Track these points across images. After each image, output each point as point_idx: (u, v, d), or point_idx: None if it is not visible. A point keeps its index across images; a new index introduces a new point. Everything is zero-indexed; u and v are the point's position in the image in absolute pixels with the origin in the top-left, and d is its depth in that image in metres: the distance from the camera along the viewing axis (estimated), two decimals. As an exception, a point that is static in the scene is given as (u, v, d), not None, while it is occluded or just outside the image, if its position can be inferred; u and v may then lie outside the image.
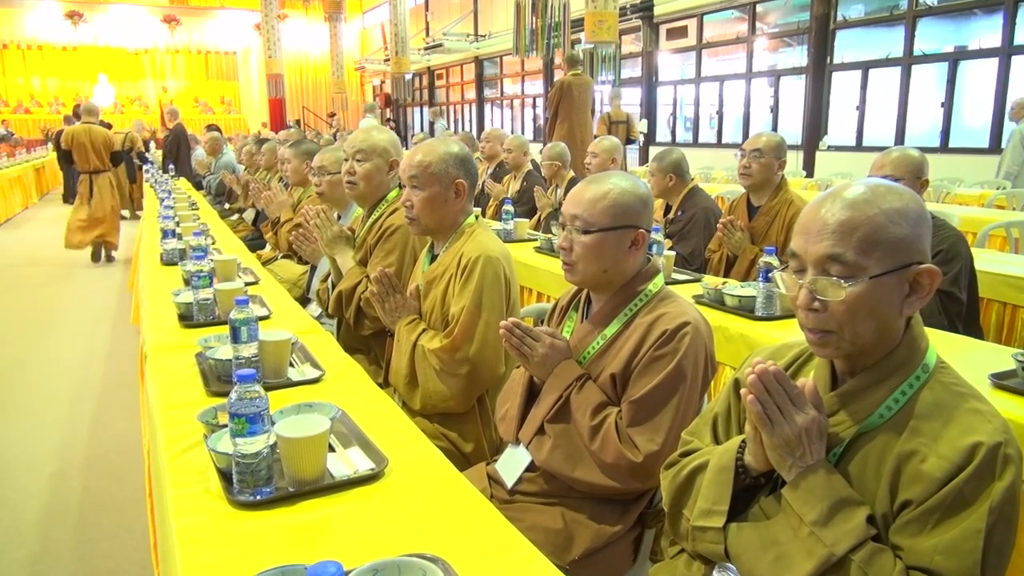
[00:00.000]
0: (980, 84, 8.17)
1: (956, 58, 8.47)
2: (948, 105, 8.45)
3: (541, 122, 15.39)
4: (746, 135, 11.06)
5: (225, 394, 1.40)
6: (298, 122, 18.36)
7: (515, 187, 5.23)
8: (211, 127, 10.24)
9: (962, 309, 2.49)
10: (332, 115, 18.83)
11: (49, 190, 14.76)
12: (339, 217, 3.27)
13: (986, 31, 8.41)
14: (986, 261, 3.18)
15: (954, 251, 2.49)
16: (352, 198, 2.82)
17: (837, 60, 9.75)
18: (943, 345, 1.36)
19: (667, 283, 1.69)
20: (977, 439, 0.98)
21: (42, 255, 7.83)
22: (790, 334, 2.13)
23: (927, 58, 8.76)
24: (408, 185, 2.12)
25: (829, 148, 9.70)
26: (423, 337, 2.04)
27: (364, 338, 2.56)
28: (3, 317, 5.65)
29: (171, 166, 9.01)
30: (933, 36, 8.92)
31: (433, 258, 2.18)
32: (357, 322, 2.53)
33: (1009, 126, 7.06)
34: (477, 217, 2.18)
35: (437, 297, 2.08)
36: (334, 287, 2.65)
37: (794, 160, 9.55)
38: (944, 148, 8.42)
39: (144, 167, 9.62)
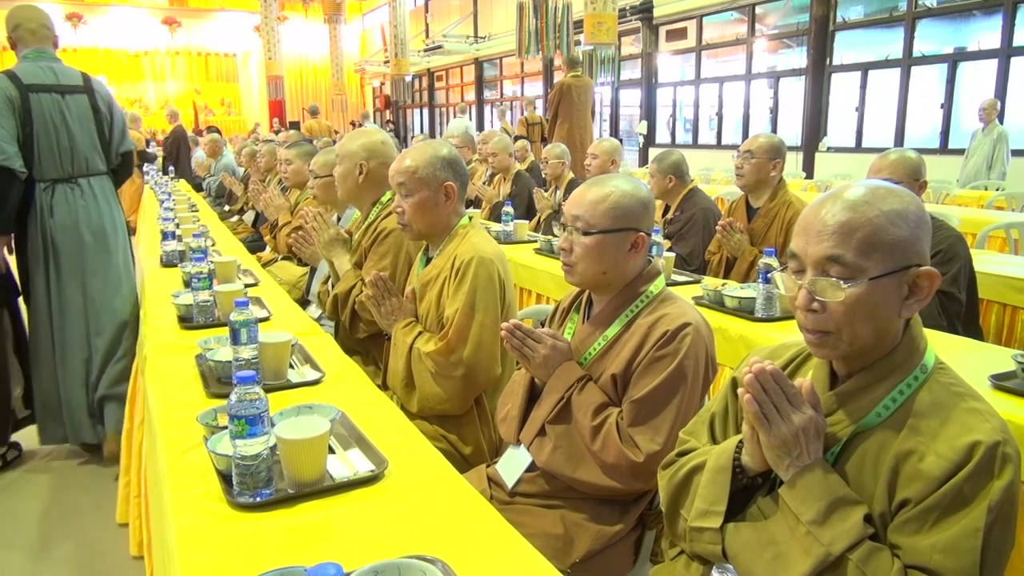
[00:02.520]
0: (979, 85, 8.17)
1: (955, 59, 8.48)
2: (947, 106, 8.47)
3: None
4: (746, 136, 11.04)
5: (225, 396, 1.40)
6: (296, 124, 18.35)
7: (505, 190, 5.21)
8: (211, 129, 10.24)
9: (961, 309, 2.50)
10: (353, 124, 18.86)
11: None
12: (338, 219, 3.28)
13: (985, 32, 8.42)
14: (986, 262, 3.18)
15: (952, 251, 2.49)
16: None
17: (836, 61, 9.76)
18: (943, 346, 1.36)
19: (667, 284, 1.69)
20: (975, 438, 0.99)
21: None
22: (790, 335, 2.12)
23: (926, 59, 8.77)
24: (397, 192, 2.12)
25: (829, 149, 9.71)
26: (419, 340, 2.04)
27: (361, 340, 2.56)
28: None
29: (171, 168, 9.01)
30: (932, 37, 8.93)
31: (428, 261, 2.19)
32: (352, 325, 2.53)
33: (968, 128, 7.12)
34: (471, 218, 2.18)
35: (432, 300, 2.08)
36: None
37: (794, 161, 9.56)
38: (943, 149, 8.43)
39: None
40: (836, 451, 1.09)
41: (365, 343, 2.56)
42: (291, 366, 1.89)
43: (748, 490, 1.16)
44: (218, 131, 9.53)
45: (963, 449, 0.98)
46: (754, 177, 3.14)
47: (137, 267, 3.34)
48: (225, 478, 1.31)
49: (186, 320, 2.32)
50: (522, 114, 10.88)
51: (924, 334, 1.11)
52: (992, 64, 7.99)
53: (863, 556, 0.99)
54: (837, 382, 1.13)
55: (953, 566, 0.96)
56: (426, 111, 21.76)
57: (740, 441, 1.15)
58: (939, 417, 1.03)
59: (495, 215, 4.89)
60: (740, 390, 1.07)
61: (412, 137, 16.02)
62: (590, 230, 1.57)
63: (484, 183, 5.57)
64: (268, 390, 1.57)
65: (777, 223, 3.09)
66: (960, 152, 7.77)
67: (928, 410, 1.04)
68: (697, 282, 2.87)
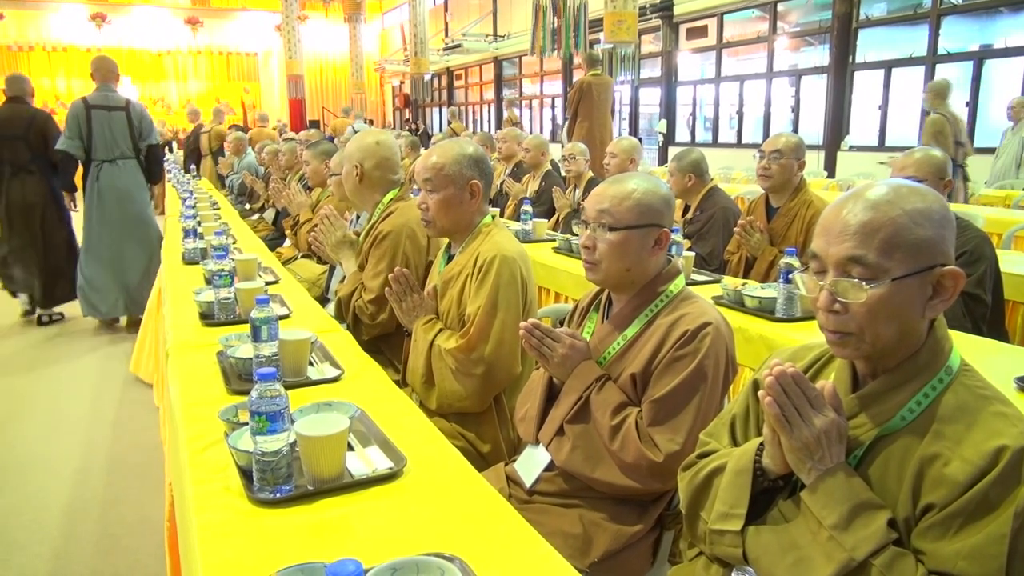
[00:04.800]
0: (1006, 83, 8.04)
1: (981, 57, 8.35)
2: (973, 104, 8.34)
3: (560, 121, 15.37)
4: (766, 135, 10.92)
5: (246, 392, 1.41)
6: (316, 122, 18.43)
7: (534, 187, 5.24)
8: (236, 127, 10.32)
9: (987, 311, 2.46)
10: (370, 121, 18.93)
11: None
12: (357, 217, 3.29)
13: (1012, 29, 8.28)
14: (1012, 263, 3.13)
15: (978, 252, 2.46)
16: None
17: (859, 59, 9.64)
18: (967, 348, 1.34)
19: (687, 284, 1.68)
20: (1002, 443, 0.97)
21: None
22: (810, 336, 2.11)
23: (951, 57, 8.64)
24: (423, 188, 2.12)
25: (851, 148, 9.59)
26: (440, 337, 2.04)
27: (376, 340, 2.57)
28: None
29: (192, 166, 9.09)
30: (958, 35, 8.80)
31: (450, 258, 2.19)
32: (356, 328, 2.53)
33: (995, 126, 7.03)
34: (494, 217, 2.18)
35: (453, 297, 2.08)
36: (351, 288, 2.65)
37: (815, 160, 9.46)
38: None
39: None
40: (859, 455, 1.08)
41: (378, 343, 2.57)
42: (311, 363, 1.90)
43: (769, 493, 1.15)
44: (242, 130, 9.60)
45: (989, 454, 0.96)
46: (783, 178, 3.10)
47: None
48: (246, 474, 1.32)
49: (207, 317, 2.34)
50: (502, 115, 11.21)
51: (949, 335, 1.09)
52: (1020, 62, 7.85)
53: (887, 561, 0.98)
54: (860, 384, 1.12)
55: (978, 573, 0.94)
56: (445, 110, 21.78)
57: (761, 443, 1.14)
58: (965, 421, 1.01)
59: (519, 213, 4.90)
60: (761, 392, 1.06)
61: (430, 137, 16.02)
62: (616, 226, 1.57)
63: (503, 181, 5.57)
64: (288, 387, 1.58)
65: (797, 222, 3.06)
66: (986, 151, 7.65)
67: (954, 414, 1.02)
68: (717, 282, 2.85)
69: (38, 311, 5.29)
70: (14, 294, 5.39)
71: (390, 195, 2.63)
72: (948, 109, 6.00)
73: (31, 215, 5.07)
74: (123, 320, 5.21)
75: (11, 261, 5.14)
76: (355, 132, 10.35)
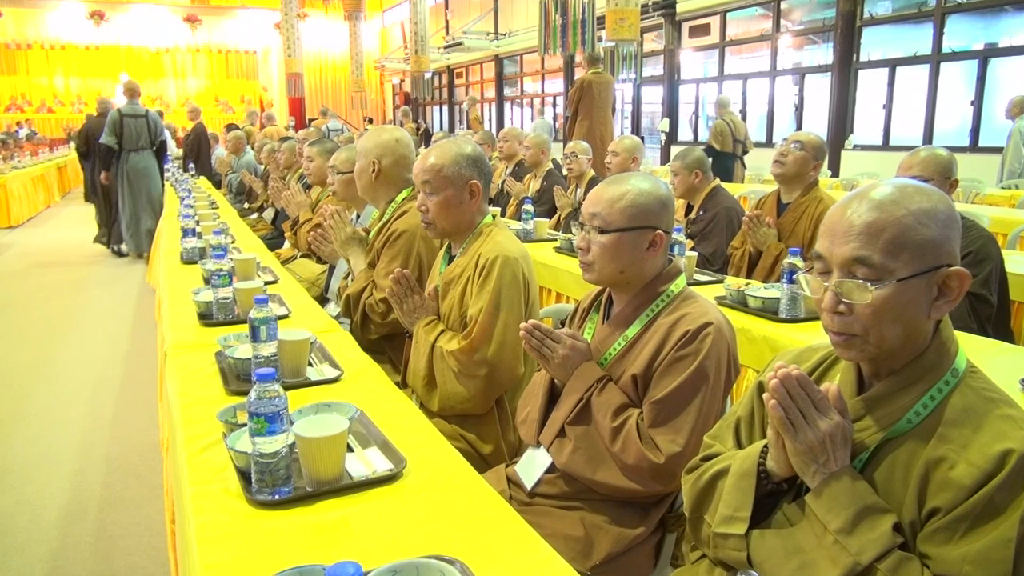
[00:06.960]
0: (1011, 82, 8.02)
1: (986, 55, 8.33)
2: (978, 103, 8.32)
3: (560, 122, 15.36)
4: (770, 134, 10.97)
5: (244, 393, 1.40)
6: (313, 120, 18.42)
7: (535, 186, 5.22)
8: (232, 126, 10.31)
9: (992, 312, 2.45)
10: (369, 120, 18.92)
11: (71, 188, 14.92)
12: (357, 217, 3.28)
13: (1017, 28, 8.26)
14: (1018, 263, 3.12)
15: (984, 252, 2.44)
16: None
17: (864, 58, 9.62)
18: (973, 349, 1.33)
19: (689, 284, 1.67)
20: (1008, 446, 0.96)
21: (64, 253, 7.96)
22: (814, 337, 2.10)
23: (956, 55, 8.62)
24: (422, 190, 2.11)
25: (855, 147, 9.58)
26: (441, 338, 2.03)
27: (378, 340, 2.56)
28: (25, 316, 5.73)
29: (191, 165, 9.07)
30: (962, 33, 8.78)
31: (451, 259, 2.17)
32: (364, 326, 2.52)
33: (999, 125, 7.05)
34: (494, 217, 2.17)
35: (455, 298, 2.07)
36: (354, 286, 2.64)
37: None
38: (973, 147, 8.29)
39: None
40: (864, 458, 1.06)
41: (381, 343, 2.56)
42: (310, 364, 1.89)
43: (773, 496, 1.14)
44: (240, 128, 9.58)
45: (995, 457, 0.95)
46: (795, 169, 3.09)
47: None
48: (244, 475, 1.31)
49: (206, 317, 2.33)
50: (503, 114, 11.39)
51: (955, 336, 1.08)
52: None
53: (892, 566, 0.97)
54: (865, 387, 1.10)
55: (984, 577, 0.93)
56: (446, 108, 21.78)
57: (765, 446, 1.13)
58: (971, 424, 1.00)
59: (520, 213, 4.89)
60: (765, 395, 1.05)
61: (431, 136, 16.01)
62: (607, 228, 1.56)
63: (504, 180, 5.56)
64: (287, 388, 1.57)
65: (806, 218, 3.05)
66: (990, 150, 7.64)
67: (960, 416, 1.01)
68: (720, 282, 2.84)
69: (112, 246, 8.29)
70: (105, 243, 8.31)
71: (403, 194, 2.61)
72: (730, 116, 8.15)
73: (107, 186, 7.91)
74: (132, 254, 7.88)
75: (101, 216, 8.31)
76: (329, 131, 10.37)
